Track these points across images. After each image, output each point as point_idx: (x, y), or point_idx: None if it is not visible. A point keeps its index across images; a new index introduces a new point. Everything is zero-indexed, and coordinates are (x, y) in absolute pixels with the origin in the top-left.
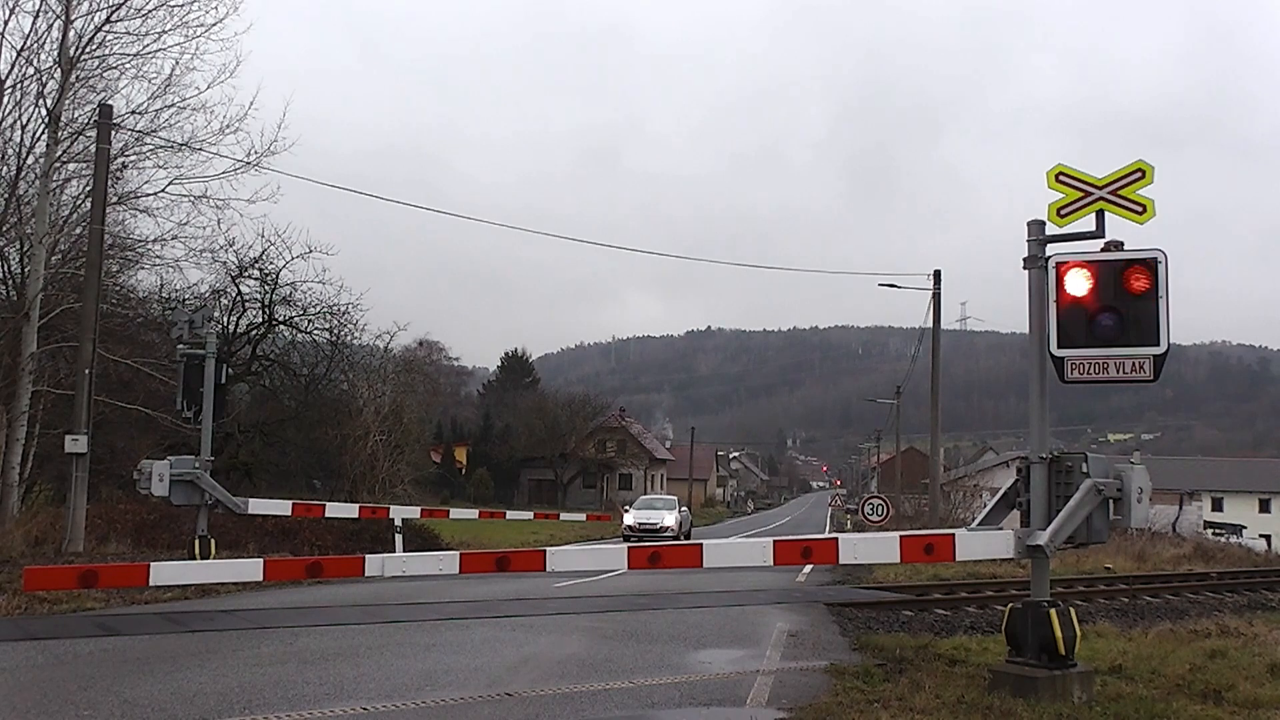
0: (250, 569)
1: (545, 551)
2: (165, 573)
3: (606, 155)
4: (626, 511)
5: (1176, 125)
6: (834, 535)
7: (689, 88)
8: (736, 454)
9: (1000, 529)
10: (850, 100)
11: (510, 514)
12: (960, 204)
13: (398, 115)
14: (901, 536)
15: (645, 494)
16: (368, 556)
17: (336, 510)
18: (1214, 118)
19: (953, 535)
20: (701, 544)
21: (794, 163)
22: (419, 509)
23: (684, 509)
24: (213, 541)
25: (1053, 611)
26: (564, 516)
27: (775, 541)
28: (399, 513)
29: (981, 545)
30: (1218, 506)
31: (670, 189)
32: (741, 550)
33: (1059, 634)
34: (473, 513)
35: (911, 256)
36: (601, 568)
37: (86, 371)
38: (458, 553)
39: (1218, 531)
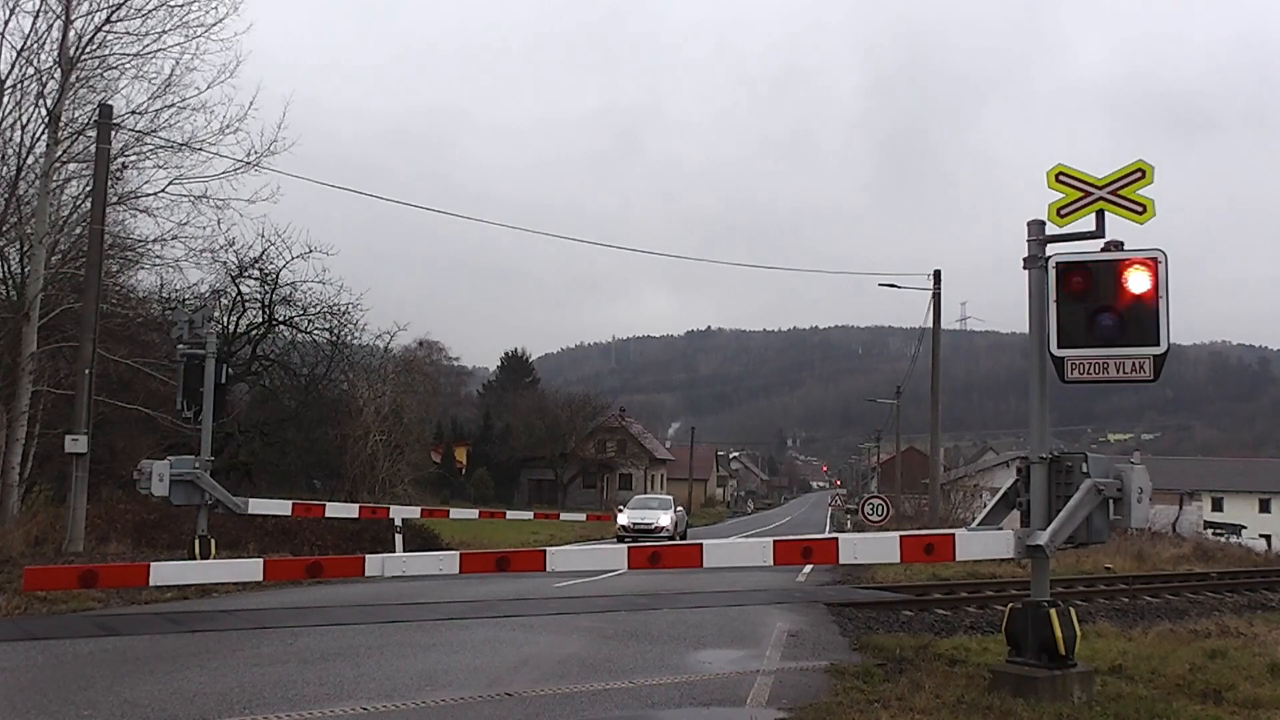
0: (250, 569)
1: (545, 551)
2: (165, 573)
3: (626, 140)
4: (621, 511)
5: (1232, 107)
6: (834, 535)
7: (713, 67)
8: (736, 454)
9: (1000, 529)
10: (883, 83)
11: (510, 514)
12: (995, 194)
13: (407, 98)
14: (901, 536)
15: (646, 494)
16: (368, 556)
17: (336, 510)
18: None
19: (953, 535)
20: (701, 544)
21: (821, 149)
22: (419, 509)
23: (679, 509)
24: (213, 541)
25: (1053, 611)
26: (564, 516)
27: (775, 541)
28: (399, 513)
29: (981, 545)
30: (1218, 506)
31: (691, 176)
32: (742, 550)
33: (1059, 634)
34: (473, 513)
35: (936, 250)
36: (602, 568)
37: (86, 371)
38: (458, 553)
39: (1218, 531)
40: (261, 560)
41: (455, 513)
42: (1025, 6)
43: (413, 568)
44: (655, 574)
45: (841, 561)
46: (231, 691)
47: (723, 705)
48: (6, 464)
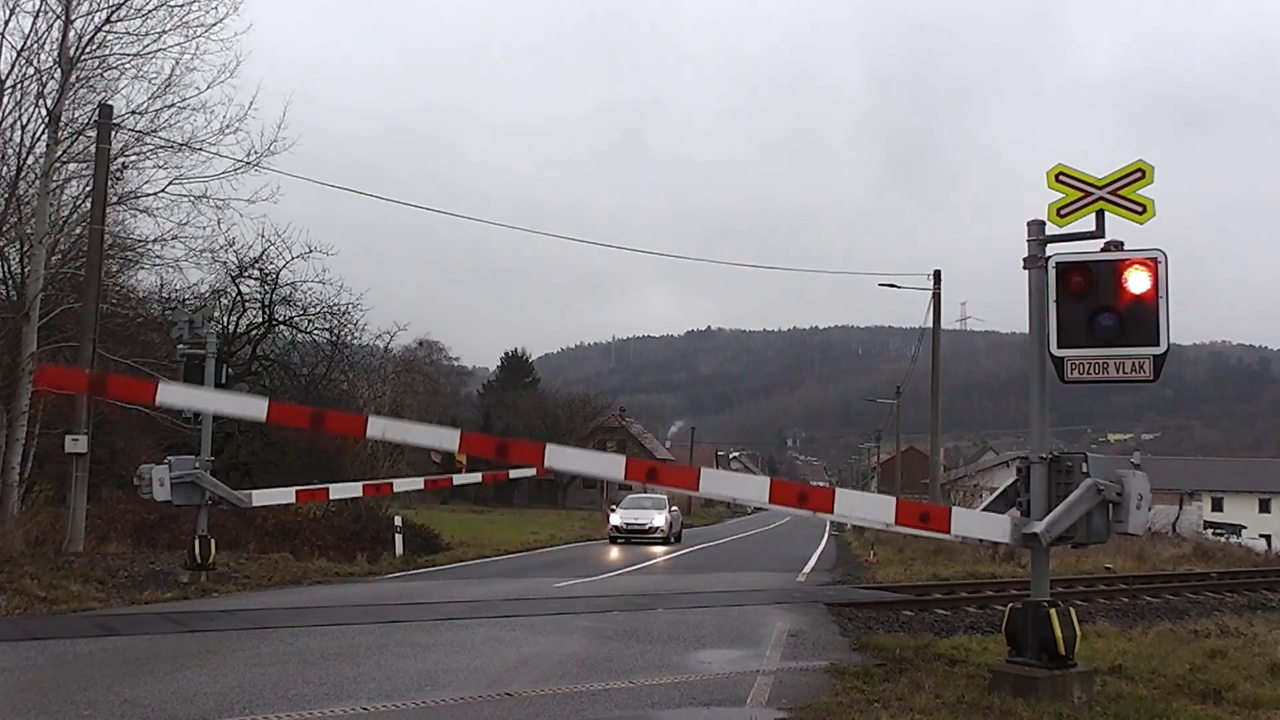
0: (255, 407)
1: (545, 446)
2: (171, 393)
3: (629, 139)
4: (613, 511)
5: (1237, 106)
6: (831, 485)
7: (717, 65)
8: (736, 454)
9: (998, 514)
10: (888, 82)
11: (513, 473)
12: (999, 193)
13: (408, 98)
14: (898, 500)
15: (640, 494)
16: (370, 417)
17: (341, 491)
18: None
19: (949, 509)
20: (700, 469)
21: (824, 148)
22: (422, 480)
23: (674, 508)
24: (213, 541)
25: (1053, 611)
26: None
27: (773, 480)
28: (402, 485)
29: (979, 524)
30: (1218, 506)
31: (694, 175)
32: (738, 482)
33: (1059, 634)
34: (476, 476)
35: (938, 250)
36: (602, 471)
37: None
38: (458, 430)
39: (1218, 531)
40: (266, 400)
41: (459, 478)
42: (1032, 4)
43: (413, 437)
44: (655, 574)
45: (836, 512)
46: (231, 691)
47: (723, 705)
48: (6, 464)
